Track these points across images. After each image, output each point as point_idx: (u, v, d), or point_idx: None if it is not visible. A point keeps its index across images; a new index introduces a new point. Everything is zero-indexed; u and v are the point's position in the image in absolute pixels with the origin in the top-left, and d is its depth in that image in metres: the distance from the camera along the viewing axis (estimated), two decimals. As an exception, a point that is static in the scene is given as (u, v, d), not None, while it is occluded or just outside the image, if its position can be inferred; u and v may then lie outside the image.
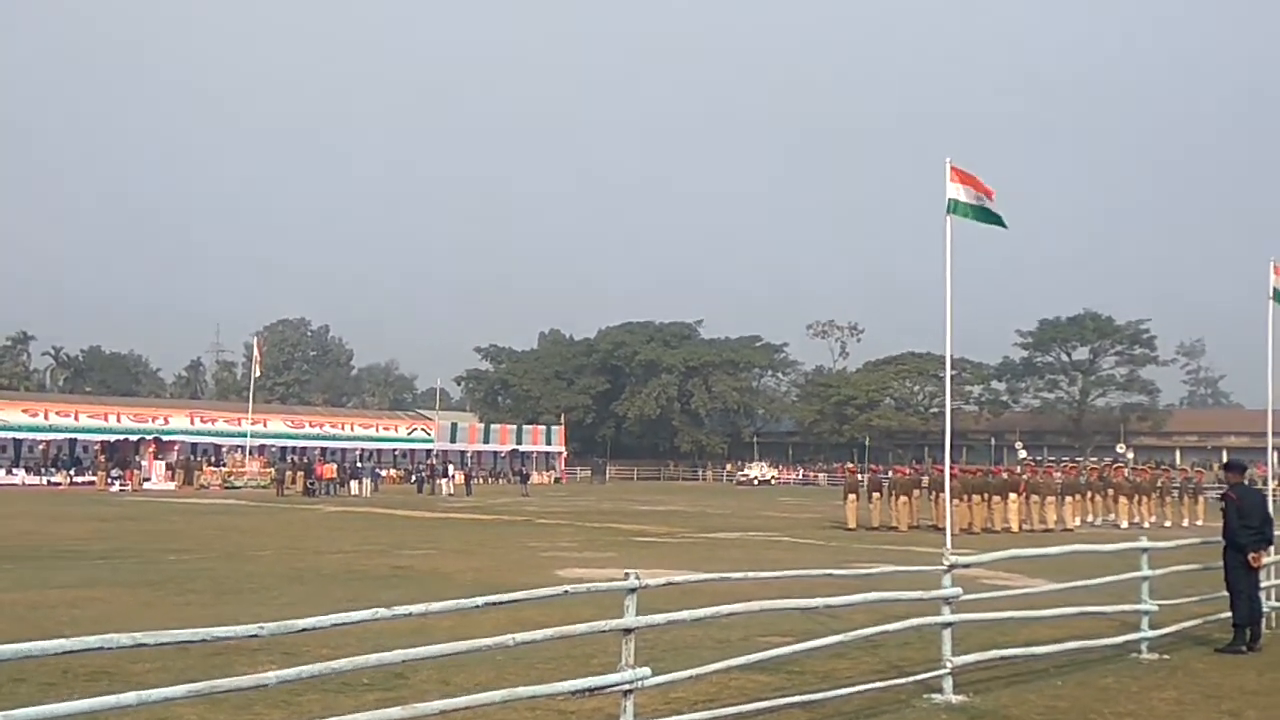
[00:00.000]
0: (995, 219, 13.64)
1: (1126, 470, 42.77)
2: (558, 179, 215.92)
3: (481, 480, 70.76)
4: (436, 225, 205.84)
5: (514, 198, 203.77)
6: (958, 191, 13.27)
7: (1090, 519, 36.87)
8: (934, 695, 9.28)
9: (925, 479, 35.79)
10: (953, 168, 13.34)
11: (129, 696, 5.02)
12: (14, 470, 61.60)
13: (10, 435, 62.82)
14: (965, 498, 31.83)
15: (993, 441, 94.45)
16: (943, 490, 21.67)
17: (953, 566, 9.59)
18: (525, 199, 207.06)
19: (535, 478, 74.85)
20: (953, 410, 17.40)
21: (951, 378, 18.35)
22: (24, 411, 64.39)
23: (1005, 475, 35.72)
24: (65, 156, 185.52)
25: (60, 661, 8.32)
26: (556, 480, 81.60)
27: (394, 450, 78.75)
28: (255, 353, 73.41)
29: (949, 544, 13.68)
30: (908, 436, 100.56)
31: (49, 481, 60.21)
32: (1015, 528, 32.13)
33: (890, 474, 36.31)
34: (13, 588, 15.35)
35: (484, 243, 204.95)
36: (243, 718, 7.71)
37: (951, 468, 16.28)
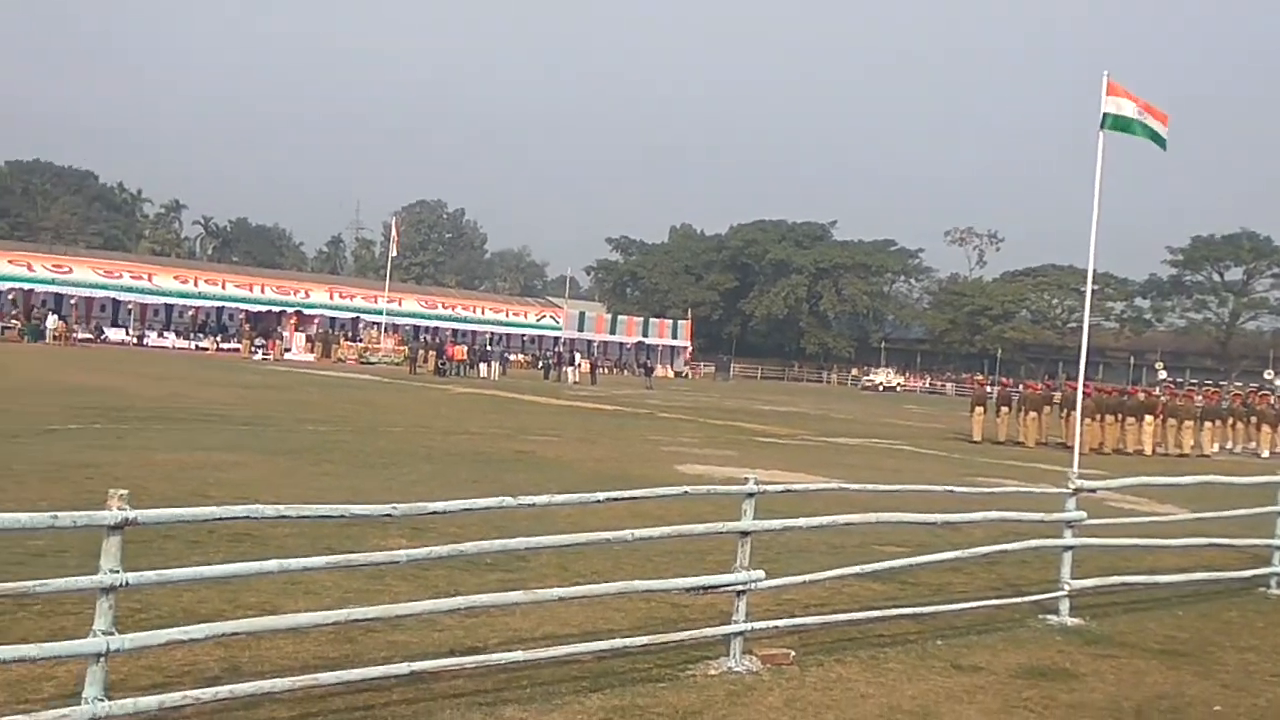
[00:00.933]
0: (1154, 137, 13.04)
1: (1273, 398, 41.09)
2: (693, 79, 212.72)
3: (606, 371, 71.58)
4: (575, 116, 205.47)
5: (655, 93, 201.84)
6: (1114, 105, 12.71)
7: (1230, 446, 35.59)
8: (1049, 616, 9.22)
9: (1057, 395, 34.95)
10: (1110, 82, 12.78)
11: (271, 564, 5.32)
12: (165, 334, 64.66)
13: (163, 300, 65.78)
14: (1098, 417, 31.02)
15: (1131, 361, 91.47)
16: (1074, 408, 21.18)
17: (1078, 490, 9.42)
18: (664, 95, 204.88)
19: (659, 371, 75.43)
20: (1092, 326, 16.89)
21: (1093, 293, 17.80)
22: (175, 278, 67.31)
23: (1142, 396, 34.67)
24: (211, 41, 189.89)
25: (207, 523, 8.81)
26: (680, 375, 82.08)
27: (522, 336, 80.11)
28: (393, 232, 75.05)
29: (1076, 465, 13.44)
30: (1041, 351, 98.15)
31: (197, 346, 63.07)
32: (1149, 451, 31.27)
33: (1020, 388, 35.57)
34: (164, 448, 16.23)
35: (620, 135, 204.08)
36: (374, 586, 8.09)
37: (1086, 385, 15.88)
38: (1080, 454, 15.15)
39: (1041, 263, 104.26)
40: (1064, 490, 9.45)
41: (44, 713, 4.68)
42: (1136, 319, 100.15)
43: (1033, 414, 32.45)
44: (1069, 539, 9.43)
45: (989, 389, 36.92)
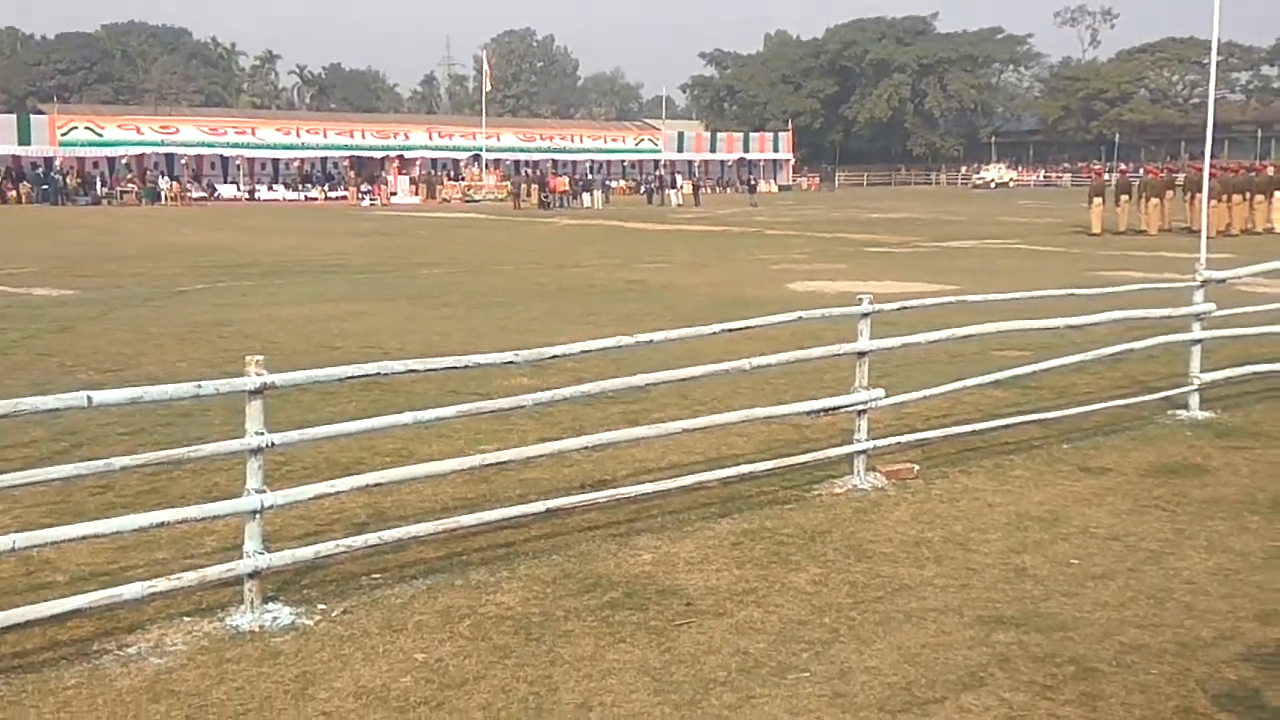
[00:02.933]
0: None
1: None
2: None
3: (709, 190, 70.80)
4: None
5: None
6: None
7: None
8: (1179, 411, 9.09)
9: (1180, 178, 33.57)
10: None
11: (405, 417, 5.51)
12: (274, 187, 65.79)
13: (269, 154, 66.72)
14: (1225, 198, 29.72)
15: (1259, 134, 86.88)
16: (1199, 191, 20.36)
17: (1206, 282, 9.13)
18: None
19: (762, 186, 74.37)
20: (1216, 100, 15.96)
21: (1217, 63, 16.77)
22: (277, 130, 68.06)
23: (1271, 172, 33.06)
24: None
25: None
26: (785, 188, 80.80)
27: (622, 161, 79.43)
28: (485, 66, 74.28)
29: (1204, 253, 12.97)
30: (1162, 131, 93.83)
31: (306, 197, 64.12)
32: (1279, 228, 30.01)
33: (1141, 174, 34.21)
34: (288, 302, 16.74)
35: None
36: (501, 427, 8.35)
37: (1211, 166, 15.12)
38: (1207, 238, 14.59)
39: (1159, 37, 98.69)
40: (1191, 282, 9.17)
41: (210, 567, 5.00)
42: (1264, 89, 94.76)
43: (1154, 200, 31.27)
44: (1198, 332, 9.20)
45: (1107, 177, 35.58)
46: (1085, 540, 6.11)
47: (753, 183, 68.76)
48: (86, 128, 61.42)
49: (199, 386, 4.98)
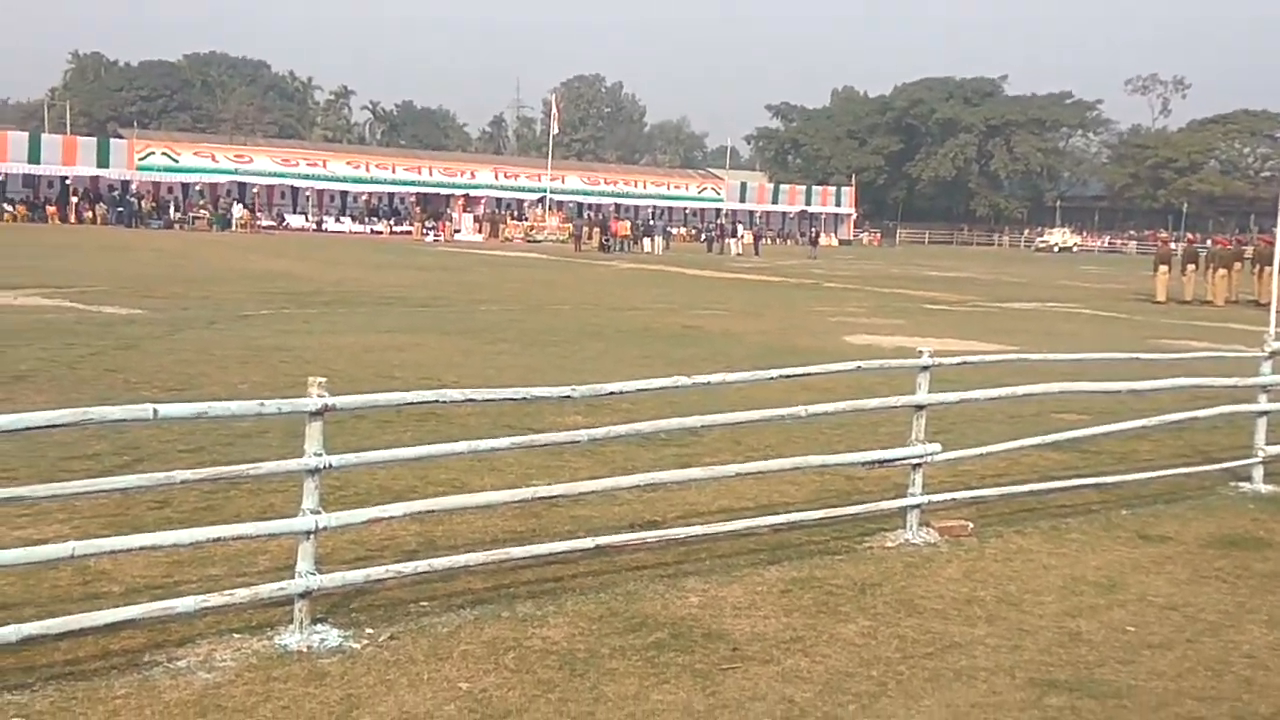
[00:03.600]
0: None
1: None
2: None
3: (769, 241, 70.81)
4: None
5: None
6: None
7: None
8: (1242, 484, 8.91)
9: (1249, 250, 33.05)
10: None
11: (460, 446, 5.56)
12: (341, 219, 66.88)
13: (338, 186, 67.90)
14: (1294, 273, 29.19)
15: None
16: (1269, 264, 20.07)
17: (1275, 354, 8.96)
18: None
19: (824, 240, 74.31)
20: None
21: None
22: (348, 164, 69.30)
23: (1345, 249, 32.44)
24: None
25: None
26: (846, 243, 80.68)
27: (684, 209, 79.80)
28: (553, 109, 75.12)
29: (1273, 325, 12.78)
30: (1232, 203, 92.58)
31: (371, 230, 65.08)
32: (1350, 307, 29.40)
33: (1209, 244, 33.74)
34: (349, 331, 16.96)
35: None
36: (554, 462, 8.37)
37: (1282, 240, 14.96)
38: (1277, 311, 14.36)
39: (1232, 109, 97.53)
40: (1259, 354, 9.01)
41: (262, 586, 5.05)
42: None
43: (1222, 271, 30.81)
44: (1264, 404, 9.03)
45: (1174, 246, 35.15)
46: (1142, 608, 5.98)
47: (814, 236, 68.59)
48: (163, 153, 62.94)
49: (262, 405, 5.06)
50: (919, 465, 7.02)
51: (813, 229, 73.56)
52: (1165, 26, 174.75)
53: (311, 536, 5.00)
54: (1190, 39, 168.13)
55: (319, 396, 4.94)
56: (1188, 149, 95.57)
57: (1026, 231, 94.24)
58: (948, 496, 7.43)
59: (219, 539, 5.07)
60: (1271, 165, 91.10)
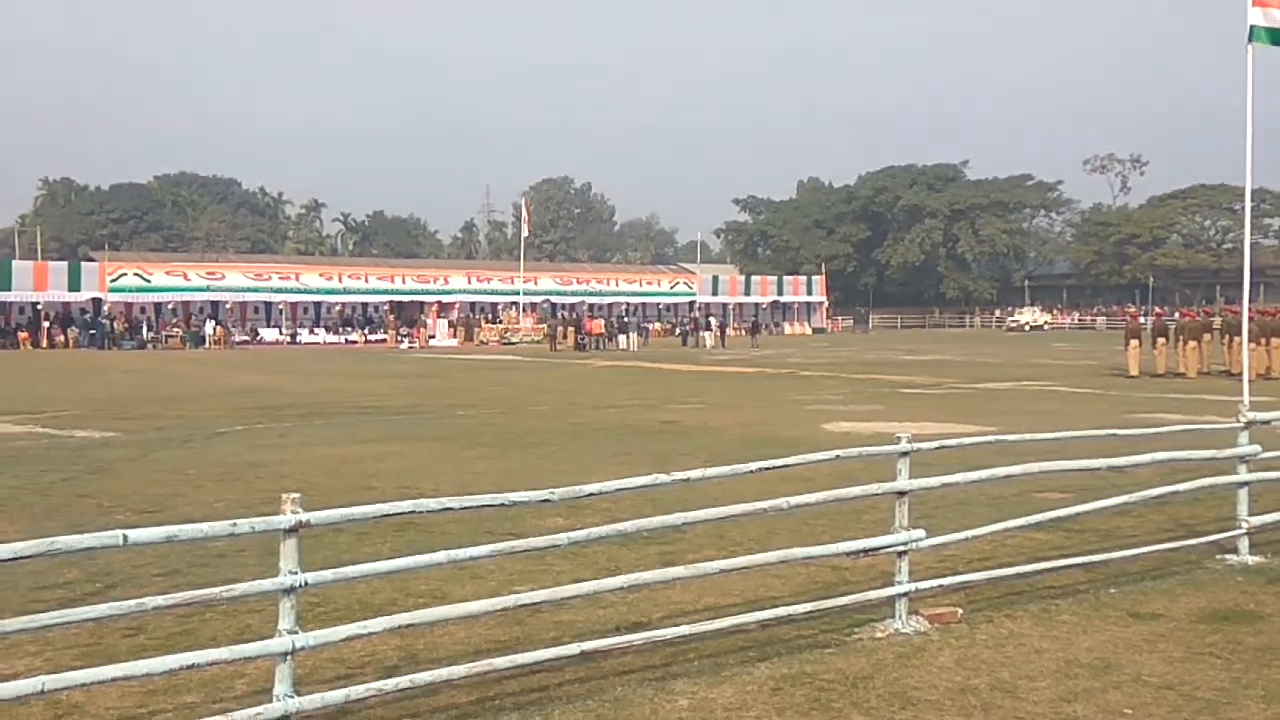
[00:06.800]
0: None
1: None
2: (808, 31, 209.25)
3: (736, 332, 70.96)
4: (691, 82, 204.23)
5: (769, 45, 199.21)
6: (1259, 17, 12.01)
7: None
8: (1228, 556, 8.87)
9: (1217, 321, 33.43)
10: (1255, -10, 12.10)
11: (439, 556, 5.47)
12: (315, 330, 66.93)
13: (311, 298, 68.06)
14: (1263, 341, 29.54)
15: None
16: (1237, 334, 20.26)
17: (1250, 423, 9.00)
18: (779, 47, 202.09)
19: (796, 328, 74.88)
20: (1251, 245, 16.08)
21: (1250, 210, 16.93)
22: (320, 275, 69.54)
23: (1310, 316, 32.87)
24: (337, 55, 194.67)
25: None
26: (819, 330, 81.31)
27: (658, 304, 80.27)
28: (524, 212, 75.95)
29: (1246, 395, 12.85)
30: (1197, 275, 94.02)
31: (346, 340, 65.10)
32: (1320, 373, 29.71)
33: (1177, 317, 34.14)
34: (325, 443, 16.83)
35: (738, 95, 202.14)
36: (536, 567, 8.26)
37: (1249, 308, 15.10)
38: (1249, 380, 14.46)
39: (1189, 184, 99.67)
40: (1234, 424, 9.05)
41: (239, 711, 4.91)
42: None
43: (1192, 343, 31.12)
44: (1244, 474, 9.04)
45: (1143, 320, 35.54)
46: (1138, 689, 5.90)
47: (754, 324, 69.74)
48: (135, 274, 63.02)
49: (234, 525, 4.97)
50: (904, 552, 6.96)
51: (756, 318, 74.65)
52: (1119, 107, 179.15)
53: (289, 658, 4.88)
54: (1145, 119, 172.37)
55: (292, 513, 4.86)
56: (1150, 225, 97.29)
57: (997, 312, 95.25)
58: (935, 583, 7.36)
59: (193, 665, 4.93)
60: (1233, 237, 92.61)
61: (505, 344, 61.70)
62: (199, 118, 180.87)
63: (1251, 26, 12.12)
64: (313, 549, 6.57)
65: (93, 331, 58.76)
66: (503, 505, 5.85)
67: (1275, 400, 17.92)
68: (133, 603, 4.83)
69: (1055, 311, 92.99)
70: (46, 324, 58.39)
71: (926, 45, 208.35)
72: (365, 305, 70.41)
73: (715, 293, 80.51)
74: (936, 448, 7.81)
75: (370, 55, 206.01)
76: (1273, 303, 53.06)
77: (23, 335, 57.43)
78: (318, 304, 68.78)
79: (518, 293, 70.16)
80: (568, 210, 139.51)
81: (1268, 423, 9.34)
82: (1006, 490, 10.71)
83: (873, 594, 7.09)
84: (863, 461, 8.00)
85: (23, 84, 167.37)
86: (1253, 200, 24.28)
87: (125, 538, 4.63)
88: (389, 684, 5.28)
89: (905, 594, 6.98)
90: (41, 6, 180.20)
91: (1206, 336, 31.74)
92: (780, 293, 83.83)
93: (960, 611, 7.19)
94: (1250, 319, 19.07)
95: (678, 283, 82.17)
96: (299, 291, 67.19)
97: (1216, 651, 6.53)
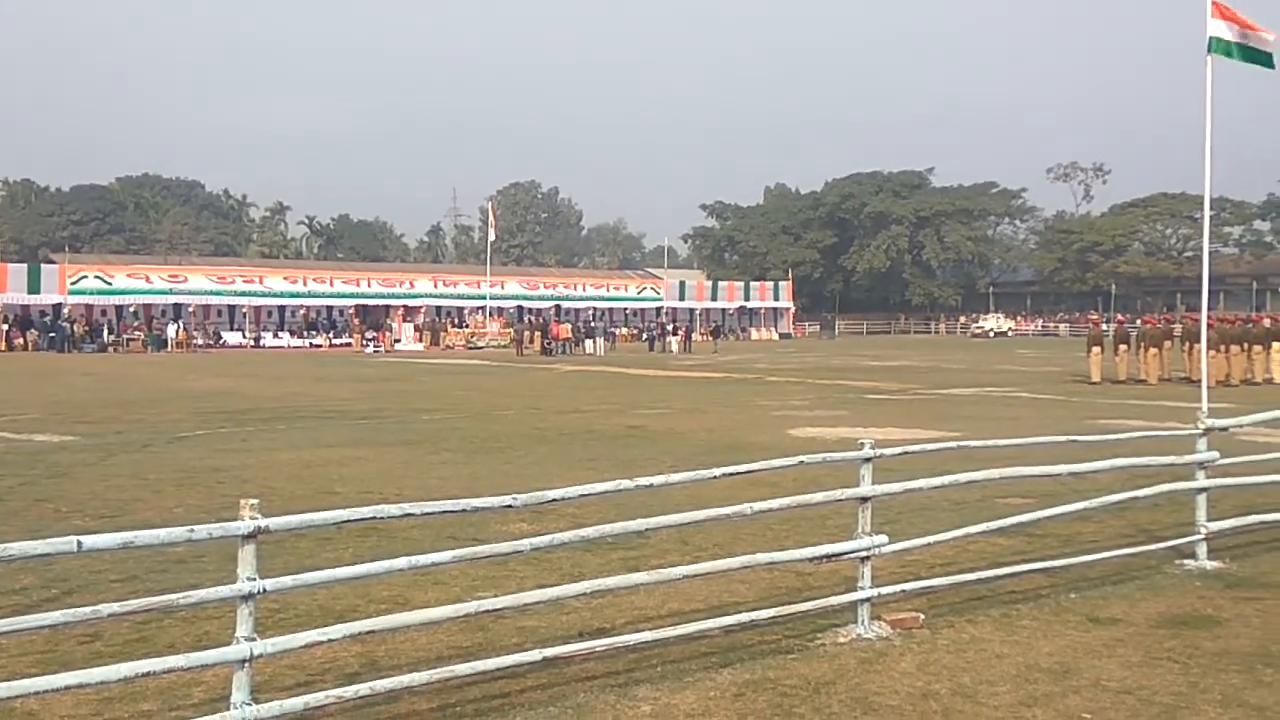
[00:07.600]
0: (1263, 59, 12.48)
1: None
2: (775, 37, 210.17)
3: (702, 337, 71.18)
4: (659, 86, 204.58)
5: (736, 54, 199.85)
6: (1220, 29, 12.18)
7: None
8: (1187, 561, 8.95)
9: (1177, 329, 33.85)
10: (1214, 3, 12.26)
11: (401, 562, 5.43)
12: (280, 334, 66.45)
13: (275, 302, 67.56)
14: (1223, 348, 29.91)
15: (1254, 286, 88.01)
16: (1197, 341, 20.49)
17: (1209, 430, 9.10)
18: (745, 56, 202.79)
19: (763, 334, 75.17)
20: (1210, 254, 16.31)
21: (1210, 218, 17.16)
22: (285, 279, 69.06)
23: (1268, 323, 33.33)
24: (303, 58, 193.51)
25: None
26: (785, 336, 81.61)
27: (625, 309, 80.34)
28: (490, 216, 75.72)
29: (1205, 402, 13.01)
30: (1158, 283, 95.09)
31: (311, 344, 64.66)
32: (1278, 379, 30.12)
33: (1139, 324, 34.52)
34: (288, 448, 16.69)
35: (707, 98, 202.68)
36: (499, 572, 8.22)
37: (1209, 316, 15.30)
38: (1208, 387, 14.64)
39: (1151, 193, 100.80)
40: (1193, 430, 9.15)
41: (196, 719, 4.85)
42: (1257, 243, 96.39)
43: (1153, 350, 31.45)
44: (1202, 480, 9.14)
45: (1105, 327, 35.91)
46: (1097, 693, 5.94)
47: (715, 329, 70.31)
48: (97, 276, 62.36)
49: (191, 531, 4.92)
50: (867, 558, 6.99)
51: (721, 323, 75.12)
52: (1081, 116, 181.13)
53: (246, 665, 4.83)
54: (1107, 128, 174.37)
55: (251, 519, 4.81)
56: (1112, 233, 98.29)
57: (962, 318, 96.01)
58: (897, 588, 7.38)
59: (150, 673, 4.87)
60: (1193, 245, 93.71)
61: (471, 348, 61.48)
62: (162, 119, 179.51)
63: (1211, 38, 12.29)
64: (274, 555, 6.52)
65: (52, 334, 58.06)
66: (465, 511, 5.81)
67: (1233, 407, 18.14)
68: (89, 609, 4.76)
69: (1019, 318, 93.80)
70: (5, 326, 57.64)
71: (893, 54, 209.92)
72: (330, 309, 70.00)
73: (682, 298, 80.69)
74: (900, 453, 7.85)
75: (336, 59, 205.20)
76: (1232, 310, 53.79)
77: (-19, 338, 56.69)
78: (282, 307, 68.30)
79: (484, 297, 69.96)
80: (535, 214, 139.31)
81: (1225, 429, 9.45)
82: (969, 495, 10.78)
83: (836, 599, 7.10)
84: (827, 467, 8.02)
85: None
86: (1212, 209, 24.60)
87: (80, 544, 4.56)
88: (349, 691, 5.24)
89: (868, 599, 7.00)
90: None
91: (1167, 344, 32.08)
92: (747, 298, 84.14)
93: (922, 617, 7.22)
94: (1210, 326, 19.27)
95: (645, 288, 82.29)
96: (263, 295, 66.70)
97: (1175, 656, 6.59)
